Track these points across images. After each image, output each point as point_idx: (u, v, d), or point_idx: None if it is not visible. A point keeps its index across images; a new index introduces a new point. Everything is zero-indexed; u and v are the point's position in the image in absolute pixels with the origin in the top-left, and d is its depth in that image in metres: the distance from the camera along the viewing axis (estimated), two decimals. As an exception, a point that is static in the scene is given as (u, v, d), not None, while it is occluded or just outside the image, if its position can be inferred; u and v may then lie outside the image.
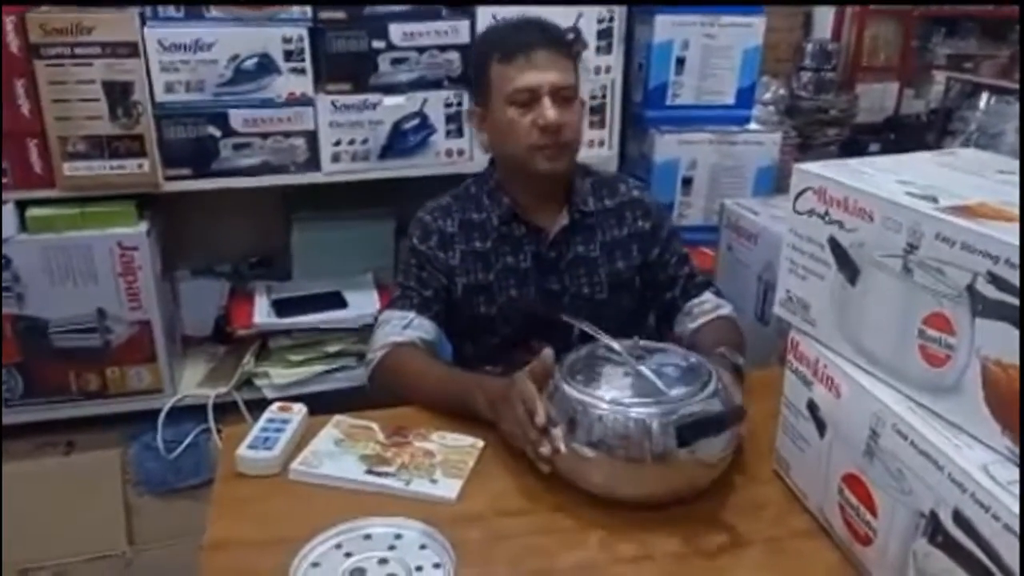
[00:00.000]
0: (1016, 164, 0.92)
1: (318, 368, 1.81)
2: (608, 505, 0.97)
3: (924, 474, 0.76)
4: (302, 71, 1.65)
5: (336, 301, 1.86)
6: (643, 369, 1.00)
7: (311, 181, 1.73)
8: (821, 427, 0.94)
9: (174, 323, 1.87)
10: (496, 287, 1.38)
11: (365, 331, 1.65)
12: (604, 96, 1.86)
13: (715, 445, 0.95)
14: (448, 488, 1.01)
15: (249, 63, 1.61)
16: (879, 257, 0.84)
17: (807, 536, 0.95)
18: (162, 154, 1.62)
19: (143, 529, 1.79)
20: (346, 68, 1.68)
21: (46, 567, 1.74)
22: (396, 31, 1.67)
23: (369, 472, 1.04)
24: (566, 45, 1.35)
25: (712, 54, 1.98)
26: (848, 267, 0.89)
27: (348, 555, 0.89)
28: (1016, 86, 2.72)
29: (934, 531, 0.75)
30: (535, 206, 1.38)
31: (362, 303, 1.84)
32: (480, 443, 1.10)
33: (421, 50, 1.70)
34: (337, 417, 1.16)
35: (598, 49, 1.81)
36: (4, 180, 1.56)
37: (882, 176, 0.88)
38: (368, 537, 0.92)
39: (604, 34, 1.81)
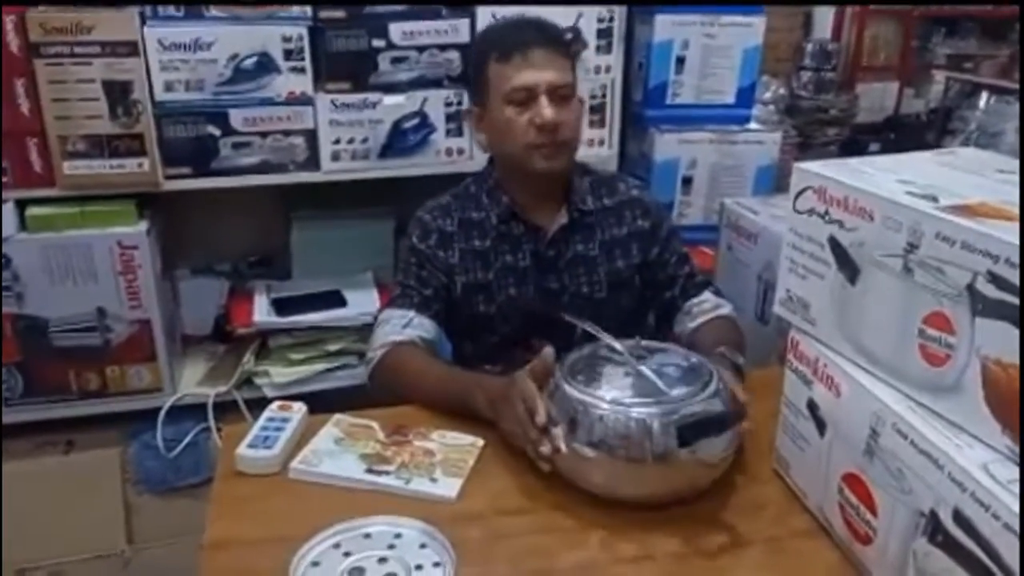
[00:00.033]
0: (1016, 163, 0.92)
1: (318, 367, 1.81)
2: (608, 504, 0.97)
3: (924, 473, 0.76)
4: (302, 70, 1.65)
5: (336, 300, 1.86)
6: (644, 369, 1.00)
7: (311, 180, 1.73)
8: (821, 426, 0.94)
9: (174, 322, 1.87)
10: (495, 286, 1.38)
11: (365, 330, 1.65)
12: (604, 95, 1.86)
13: (716, 445, 0.95)
14: (448, 487, 1.01)
15: (249, 62, 1.61)
16: (879, 256, 0.84)
17: (807, 535, 0.95)
18: (162, 153, 1.62)
19: (143, 528, 1.79)
20: (346, 67, 1.67)
21: (45, 566, 1.74)
22: (396, 30, 1.67)
23: (369, 471, 1.04)
24: (563, 44, 1.35)
25: (712, 53, 1.98)
26: (848, 266, 0.89)
27: (347, 554, 0.89)
28: (1016, 86, 2.72)
29: (934, 530, 0.75)
30: (534, 205, 1.38)
31: (362, 302, 1.84)
32: (480, 442, 1.10)
33: (421, 49, 1.69)
34: (337, 416, 1.16)
35: (598, 48, 1.81)
36: (4, 179, 1.56)
37: (882, 175, 0.88)
38: (368, 536, 0.92)
39: (604, 33, 1.81)
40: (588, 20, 1.78)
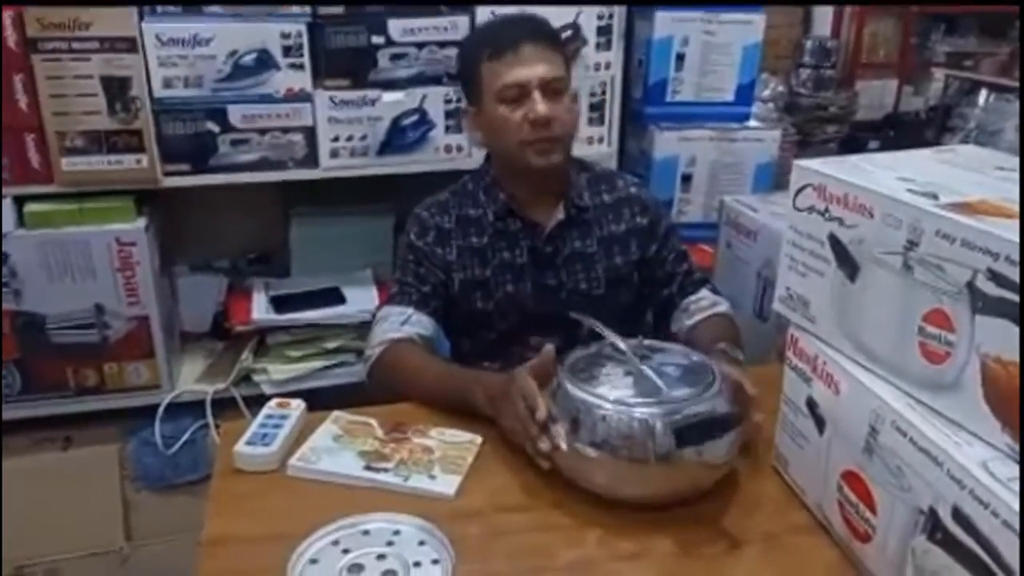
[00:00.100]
0: (1016, 161, 0.92)
1: (316, 364, 1.81)
2: (607, 502, 0.97)
3: (923, 471, 0.76)
4: (301, 67, 1.64)
5: (334, 297, 1.85)
6: (646, 369, 0.99)
7: (310, 177, 1.72)
8: (820, 424, 0.94)
9: (172, 319, 1.87)
10: (493, 283, 1.37)
11: (364, 327, 1.65)
12: (604, 93, 1.85)
13: (720, 446, 0.94)
14: (446, 484, 1.01)
15: (248, 58, 1.61)
16: (879, 254, 0.84)
17: (806, 533, 0.95)
18: (160, 149, 1.61)
19: (141, 525, 1.79)
20: (345, 64, 1.67)
21: (43, 563, 1.74)
22: (395, 27, 1.66)
23: (367, 468, 1.04)
24: (553, 38, 1.35)
25: (712, 51, 1.98)
26: (848, 264, 0.88)
27: (346, 551, 0.89)
28: (1015, 84, 2.72)
29: (933, 528, 0.75)
30: (530, 201, 1.38)
31: (361, 299, 1.84)
32: (479, 439, 1.10)
33: (420, 46, 1.69)
34: (335, 413, 1.16)
35: (598, 45, 1.81)
36: (2, 175, 1.55)
37: (882, 173, 0.88)
38: (366, 533, 0.92)
39: (604, 30, 1.80)
40: (588, 17, 1.78)
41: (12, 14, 1.46)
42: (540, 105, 1.26)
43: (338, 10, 1.64)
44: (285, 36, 1.62)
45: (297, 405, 1.15)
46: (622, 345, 1.04)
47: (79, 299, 1.63)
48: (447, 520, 0.93)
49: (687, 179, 2.03)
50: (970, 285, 0.73)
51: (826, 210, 0.90)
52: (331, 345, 1.81)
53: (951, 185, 0.83)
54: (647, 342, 1.07)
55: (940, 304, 0.77)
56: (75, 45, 1.50)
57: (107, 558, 1.77)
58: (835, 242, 0.90)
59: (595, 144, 1.87)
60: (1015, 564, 0.66)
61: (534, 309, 1.38)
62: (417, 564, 0.87)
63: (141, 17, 1.55)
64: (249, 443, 1.06)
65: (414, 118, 1.73)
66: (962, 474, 0.71)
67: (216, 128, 1.63)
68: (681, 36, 1.95)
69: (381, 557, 0.88)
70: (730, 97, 2.04)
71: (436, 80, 1.72)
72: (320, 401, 1.20)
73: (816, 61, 2.64)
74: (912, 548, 0.78)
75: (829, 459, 0.92)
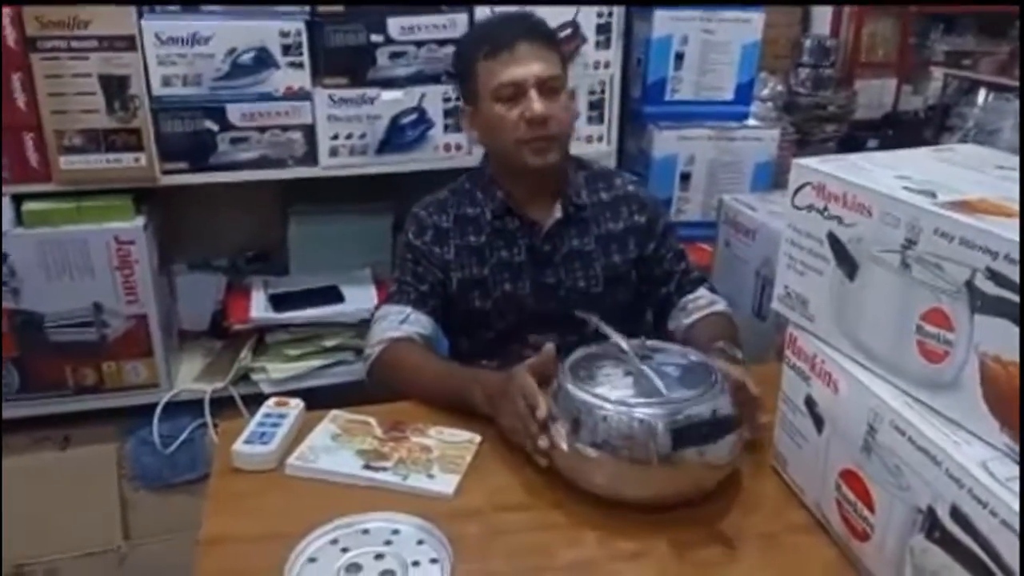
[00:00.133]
0: (1015, 160, 0.92)
1: (315, 363, 1.80)
2: (606, 501, 0.97)
3: (922, 470, 0.76)
4: (300, 65, 1.64)
5: (333, 295, 1.85)
6: (647, 369, 0.99)
7: (309, 175, 1.72)
8: (819, 423, 0.94)
9: (171, 318, 1.87)
10: (491, 281, 1.37)
11: (362, 326, 1.65)
12: (603, 91, 1.85)
13: (722, 447, 0.94)
14: (445, 483, 1.01)
15: (246, 57, 1.61)
16: (877, 252, 0.84)
17: (804, 532, 0.95)
18: (159, 148, 1.61)
19: (139, 524, 1.79)
20: (344, 62, 1.67)
21: (41, 562, 1.74)
22: (394, 25, 1.66)
23: (366, 467, 1.04)
24: (549, 37, 1.35)
25: (711, 49, 1.98)
26: (846, 262, 0.88)
27: (345, 550, 0.89)
28: (1014, 83, 2.72)
29: (931, 527, 0.75)
30: (528, 200, 1.38)
31: (359, 298, 1.84)
32: (477, 438, 1.10)
33: (419, 44, 1.69)
34: (334, 412, 1.16)
35: (597, 44, 1.81)
36: (1, 174, 1.55)
37: (881, 171, 0.88)
38: (365, 532, 0.92)
39: (603, 29, 1.80)
40: (587, 15, 1.77)
41: (11, 13, 1.46)
42: (536, 104, 1.27)
43: (337, 8, 1.64)
44: (284, 34, 1.61)
45: (295, 404, 1.15)
46: (625, 345, 1.04)
47: (77, 298, 1.63)
48: (446, 519, 0.93)
49: (686, 178, 2.03)
50: (969, 284, 0.73)
51: (825, 209, 0.90)
52: (330, 344, 1.81)
53: (950, 184, 0.83)
54: (649, 342, 1.07)
55: (939, 303, 0.77)
56: (74, 44, 1.50)
57: (105, 557, 1.77)
58: (834, 241, 0.90)
59: (594, 143, 1.87)
60: (1014, 563, 0.66)
61: (532, 307, 1.38)
62: (416, 563, 0.86)
63: (140, 15, 1.54)
64: (247, 442, 1.06)
65: (413, 116, 1.73)
66: (961, 473, 0.71)
67: (215, 126, 1.62)
68: (680, 35, 1.95)
69: (379, 556, 0.88)
70: (729, 96, 2.04)
71: (435, 79, 1.72)
72: (318, 400, 1.20)
73: (815, 60, 2.64)
74: (910, 547, 0.78)
75: (828, 458, 0.92)
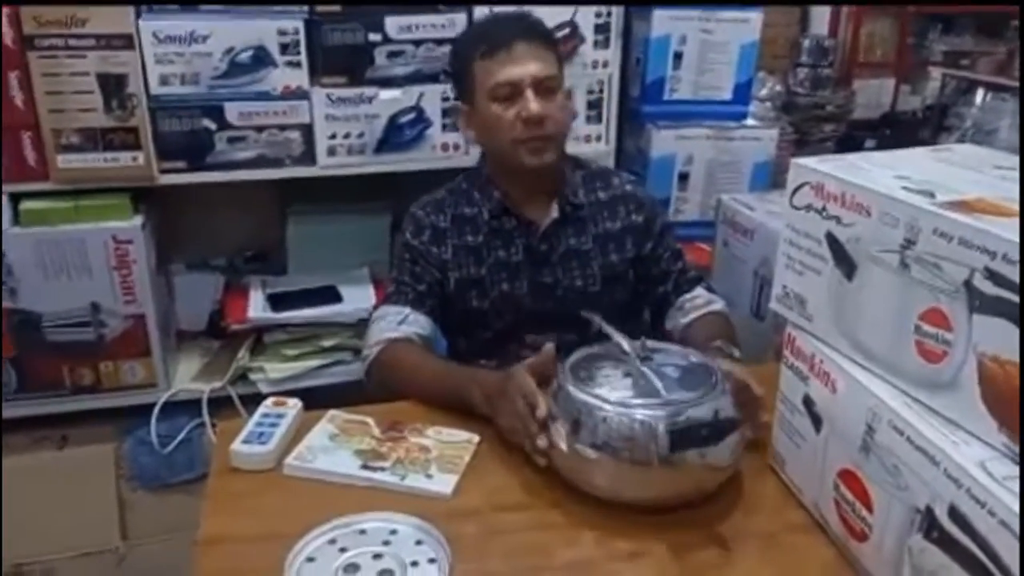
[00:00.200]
0: (1014, 160, 0.92)
1: (313, 363, 1.80)
2: (605, 501, 0.97)
3: (920, 470, 0.76)
4: (298, 64, 1.64)
5: (331, 295, 1.85)
6: (647, 371, 0.98)
7: (307, 175, 1.72)
8: (817, 422, 0.94)
9: (169, 317, 1.86)
10: (488, 281, 1.37)
11: (360, 325, 1.64)
12: (601, 91, 1.85)
13: (723, 449, 0.94)
14: (443, 483, 1.01)
15: (244, 56, 1.61)
16: (876, 252, 0.84)
17: (802, 532, 0.95)
18: (157, 147, 1.61)
19: (137, 524, 1.78)
20: (342, 61, 1.67)
21: (39, 563, 1.73)
22: (392, 24, 1.66)
23: (364, 467, 1.04)
24: (546, 36, 1.35)
25: (709, 49, 1.98)
26: (845, 262, 0.88)
27: (343, 550, 0.88)
28: (1011, 83, 2.72)
29: (929, 527, 0.75)
30: (525, 199, 1.38)
31: (357, 297, 1.84)
32: (476, 438, 1.10)
33: (417, 43, 1.69)
34: (332, 412, 1.16)
35: (595, 43, 1.81)
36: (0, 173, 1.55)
37: (879, 171, 0.88)
38: (363, 532, 0.91)
39: (601, 28, 1.80)
40: (585, 15, 1.78)
41: (8, 11, 1.46)
42: (533, 104, 1.27)
43: (335, 7, 1.64)
44: (282, 33, 1.61)
45: (293, 404, 1.14)
46: (627, 346, 1.03)
47: (75, 297, 1.62)
48: (444, 519, 0.92)
49: (684, 177, 2.03)
50: (967, 284, 0.73)
51: (823, 208, 0.90)
52: (328, 343, 1.81)
53: (948, 184, 0.83)
54: (650, 343, 1.06)
55: (937, 303, 0.77)
56: (71, 42, 1.49)
57: (103, 558, 1.77)
58: (832, 240, 0.90)
59: (592, 142, 1.87)
60: (1012, 563, 0.66)
61: (530, 307, 1.38)
62: (414, 563, 0.86)
63: (138, 14, 1.54)
64: (245, 442, 1.06)
65: (411, 116, 1.73)
66: (959, 473, 0.71)
67: (213, 125, 1.62)
68: (679, 35, 1.95)
69: (378, 556, 0.87)
70: (727, 96, 2.04)
71: (433, 78, 1.72)
72: (316, 400, 1.19)
73: (813, 60, 2.64)
74: (908, 547, 0.78)
75: (826, 458, 0.92)
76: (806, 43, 2.67)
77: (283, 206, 1.95)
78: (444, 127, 1.75)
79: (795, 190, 0.94)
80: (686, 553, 0.92)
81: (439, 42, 1.69)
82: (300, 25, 1.62)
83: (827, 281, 0.91)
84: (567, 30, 1.76)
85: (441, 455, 1.07)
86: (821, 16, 2.88)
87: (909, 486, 0.77)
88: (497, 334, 1.40)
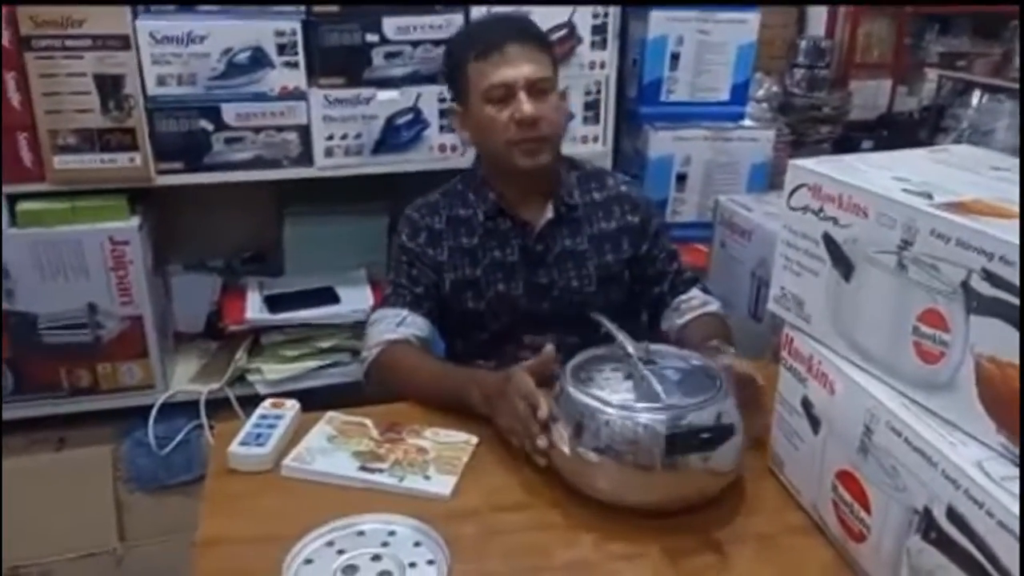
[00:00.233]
0: (1012, 161, 0.93)
1: (311, 364, 1.80)
2: (603, 502, 0.97)
3: (918, 471, 0.76)
4: (295, 65, 1.64)
5: (329, 296, 1.85)
6: (649, 375, 0.98)
7: (304, 176, 1.72)
8: (815, 424, 0.94)
9: (166, 319, 1.86)
10: (483, 282, 1.37)
11: (358, 327, 1.64)
12: (598, 92, 1.85)
13: (727, 454, 0.93)
14: (442, 484, 1.01)
15: (242, 56, 1.60)
16: (873, 253, 0.84)
17: (801, 533, 0.95)
18: (154, 148, 1.61)
19: (134, 526, 1.78)
20: (339, 62, 1.67)
21: (37, 564, 1.73)
22: (390, 25, 1.66)
23: (362, 469, 1.04)
24: (540, 38, 1.35)
25: (707, 50, 1.98)
26: (842, 263, 0.88)
27: (341, 552, 0.88)
28: (1008, 84, 2.73)
29: (928, 528, 0.75)
30: (520, 200, 1.38)
31: (355, 298, 1.84)
32: (474, 439, 1.10)
33: (415, 44, 1.69)
34: (330, 413, 1.16)
35: (592, 44, 1.81)
36: (-2, 174, 1.55)
37: (876, 172, 0.88)
38: (361, 534, 0.91)
39: (598, 29, 1.80)
40: (583, 16, 1.78)
41: (5, 12, 1.45)
42: (526, 105, 1.27)
43: (333, 8, 1.64)
44: (279, 34, 1.61)
45: (291, 405, 1.14)
46: (631, 348, 1.03)
47: (72, 299, 1.62)
48: (443, 520, 0.92)
49: (682, 178, 2.03)
50: (965, 285, 0.73)
51: (821, 209, 0.90)
52: (325, 345, 1.81)
53: (945, 185, 0.83)
54: (653, 346, 1.06)
55: (935, 304, 0.77)
56: (68, 43, 1.49)
57: (101, 559, 1.76)
58: (830, 241, 0.90)
59: (589, 143, 1.87)
60: (1010, 564, 0.66)
61: (526, 307, 1.38)
62: (413, 565, 0.86)
63: (135, 15, 1.54)
64: (243, 443, 1.06)
65: (408, 117, 1.73)
66: (957, 474, 0.71)
67: (210, 126, 1.62)
68: (676, 35, 1.95)
69: (376, 558, 0.87)
70: (725, 97, 2.04)
71: (431, 79, 1.71)
72: (314, 401, 1.19)
73: (810, 61, 2.65)
74: (907, 548, 0.78)
75: (824, 459, 0.92)
76: (803, 44, 2.67)
77: (280, 207, 1.95)
78: (441, 128, 1.75)
79: (792, 191, 0.94)
80: (685, 555, 0.92)
81: (437, 43, 1.69)
82: (297, 26, 1.62)
83: (825, 282, 0.91)
84: (564, 31, 1.76)
85: (439, 456, 1.07)
86: (818, 17, 2.88)
87: (907, 487, 0.78)
88: (494, 335, 1.40)
